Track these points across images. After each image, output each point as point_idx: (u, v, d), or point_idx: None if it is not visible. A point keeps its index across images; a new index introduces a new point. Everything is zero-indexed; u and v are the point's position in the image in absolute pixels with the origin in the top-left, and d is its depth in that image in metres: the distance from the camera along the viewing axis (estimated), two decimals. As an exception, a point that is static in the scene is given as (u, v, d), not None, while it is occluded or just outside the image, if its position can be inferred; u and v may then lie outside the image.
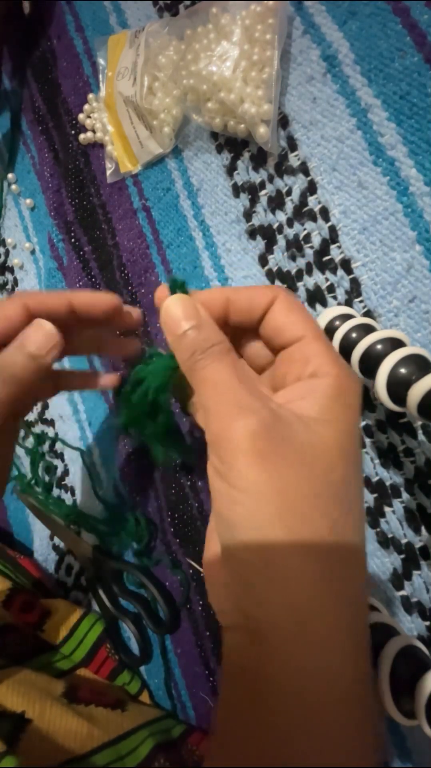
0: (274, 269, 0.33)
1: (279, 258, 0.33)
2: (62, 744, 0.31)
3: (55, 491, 0.47)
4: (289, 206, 0.32)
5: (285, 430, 0.18)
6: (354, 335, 0.26)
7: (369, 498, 0.30)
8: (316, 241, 0.31)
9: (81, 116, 0.42)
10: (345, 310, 0.29)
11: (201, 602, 0.37)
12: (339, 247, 0.30)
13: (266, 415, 0.18)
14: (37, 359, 0.24)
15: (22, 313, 0.25)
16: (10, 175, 0.50)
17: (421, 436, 0.28)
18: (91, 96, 0.42)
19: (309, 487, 0.17)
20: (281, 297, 0.21)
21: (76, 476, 0.46)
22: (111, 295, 0.27)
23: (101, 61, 0.40)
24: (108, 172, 0.41)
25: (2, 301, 0.26)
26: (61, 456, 0.47)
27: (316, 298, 0.31)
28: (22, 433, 0.51)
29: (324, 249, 0.31)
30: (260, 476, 0.17)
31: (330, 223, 0.30)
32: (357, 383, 0.20)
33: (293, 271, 0.32)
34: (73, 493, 0.46)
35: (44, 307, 0.25)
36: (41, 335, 0.24)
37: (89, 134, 0.42)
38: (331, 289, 0.31)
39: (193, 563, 0.37)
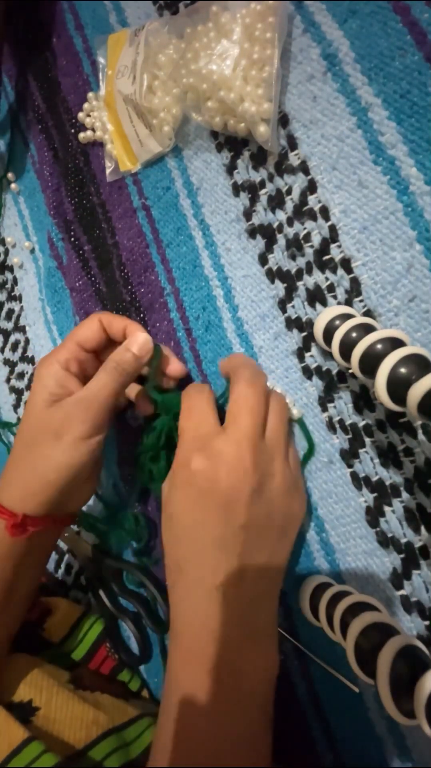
0: (274, 268, 0.33)
1: (279, 257, 0.33)
2: (68, 732, 0.32)
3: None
4: (289, 205, 0.32)
5: None
6: (354, 335, 0.26)
7: (369, 497, 0.30)
8: (316, 240, 0.31)
9: (80, 115, 0.42)
10: (345, 309, 0.29)
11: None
12: (339, 246, 0.30)
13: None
14: (137, 358, 0.32)
15: (99, 324, 0.34)
16: (9, 174, 0.50)
17: (421, 436, 0.28)
18: (90, 94, 0.42)
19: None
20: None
21: (75, 475, 0.46)
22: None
23: (101, 60, 0.40)
24: (107, 171, 0.41)
25: (86, 320, 0.34)
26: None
27: (316, 297, 0.31)
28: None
29: (324, 248, 0.31)
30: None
31: (330, 223, 0.30)
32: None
33: (293, 271, 0.32)
34: (72, 493, 0.46)
35: (109, 325, 0.34)
36: (142, 340, 0.33)
37: (89, 133, 0.42)
38: (331, 288, 0.30)
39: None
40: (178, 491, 0.28)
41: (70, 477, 0.31)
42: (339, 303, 0.30)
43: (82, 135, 0.42)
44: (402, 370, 0.23)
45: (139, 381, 0.35)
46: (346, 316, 0.28)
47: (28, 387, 0.50)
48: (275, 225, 0.33)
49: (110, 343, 0.35)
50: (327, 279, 0.31)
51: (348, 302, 0.30)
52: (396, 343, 0.24)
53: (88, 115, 0.42)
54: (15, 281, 0.51)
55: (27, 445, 0.32)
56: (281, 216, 0.32)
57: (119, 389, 0.32)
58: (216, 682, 0.26)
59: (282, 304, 0.33)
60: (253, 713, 0.27)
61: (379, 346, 0.24)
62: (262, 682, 0.28)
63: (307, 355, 0.32)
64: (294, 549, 0.30)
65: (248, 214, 0.34)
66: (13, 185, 0.50)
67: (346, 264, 0.30)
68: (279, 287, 0.33)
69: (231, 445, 0.28)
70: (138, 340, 0.33)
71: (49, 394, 0.32)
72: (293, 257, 0.32)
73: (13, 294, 0.51)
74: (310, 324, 0.31)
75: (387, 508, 0.29)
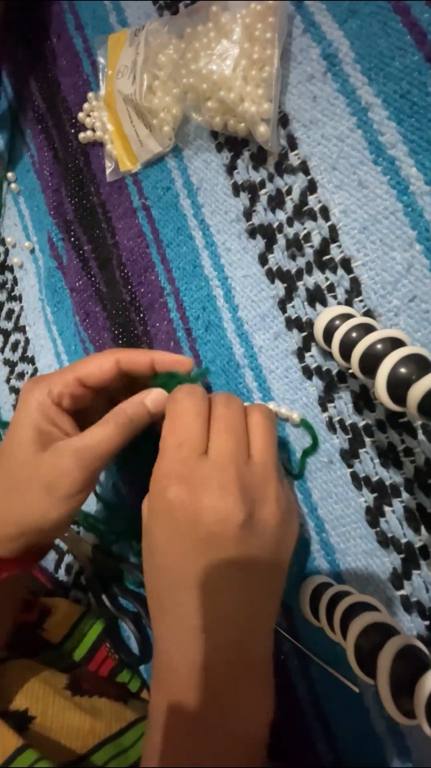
0: (274, 268, 0.33)
1: (279, 257, 0.33)
2: (64, 742, 0.31)
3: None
4: (289, 205, 0.32)
5: None
6: (354, 335, 0.26)
7: (369, 497, 0.30)
8: (316, 240, 0.31)
9: (80, 115, 0.42)
10: (345, 309, 0.29)
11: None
12: (339, 246, 0.30)
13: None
14: (151, 414, 0.30)
15: (115, 366, 0.30)
16: (9, 174, 0.50)
17: (421, 436, 0.28)
18: (90, 95, 0.42)
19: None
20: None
21: (75, 475, 0.45)
22: (187, 359, 0.32)
23: (101, 60, 0.40)
24: (107, 171, 0.41)
25: (98, 355, 0.31)
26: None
27: (316, 297, 0.31)
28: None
29: (324, 248, 0.31)
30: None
31: (330, 223, 0.30)
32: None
33: (293, 271, 0.32)
34: (72, 493, 0.46)
35: (131, 364, 0.31)
36: (154, 395, 0.30)
37: (89, 133, 0.42)
38: (331, 288, 0.30)
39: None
40: (156, 522, 0.26)
41: (54, 528, 0.29)
42: (339, 303, 0.30)
43: (82, 135, 0.42)
44: (402, 370, 0.23)
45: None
46: (346, 316, 0.28)
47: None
48: (275, 225, 0.33)
49: (120, 377, 0.32)
50: (327, 279, 0.31)
51: (348, 302, 0.30)
52: (396, 343, 0.24)
53: (88, 115, 0.42)
54: (15, 281, 0.51)
55: (9, 488, 0.29)
56: (281, 216, 0.32)
57: (124, 443, 0.29)
58: (201, 727, 0.24)
59: (282, 304, 0.33)
60: (244, 761, 0.25)
61: (379, 346, 0.24)
62: (255, 726, 0.25)
63: (307, 355, 0.32)
64: (294, 550, 0.30)
65: (248, 214, 0.34)
66: (13, 185, 0.50)
67: (346, 264, 0.30)
68: (279, 287, 0.33)
69: (215, 472, 0.25)
70: (155, 399, 0.30)
71: (35, 431, 0.29)
72: (293, 257, 0.32)
73: (13, 294, 0.51)
74: (310, 324, 0.31)
75: (387, 508, 0.29)
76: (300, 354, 0.32)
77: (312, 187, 0.31)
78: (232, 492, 0.24)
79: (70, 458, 0.28)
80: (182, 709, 0.24)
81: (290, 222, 0.32)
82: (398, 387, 0.23)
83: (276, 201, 0.32)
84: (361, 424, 0.30)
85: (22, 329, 0.51)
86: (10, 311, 0.52)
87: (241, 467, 0.25)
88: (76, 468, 0.28)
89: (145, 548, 0.27)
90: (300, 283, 0.32)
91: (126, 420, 0.29)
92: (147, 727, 0.26)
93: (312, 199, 0.31)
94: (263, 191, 0.33)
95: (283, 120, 0.32)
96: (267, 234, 0.33)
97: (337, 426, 0.31)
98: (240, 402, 0.28)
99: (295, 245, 0.32)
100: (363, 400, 0.30)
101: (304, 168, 0.31)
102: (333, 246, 0.30)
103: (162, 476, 0.26)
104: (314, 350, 0.32)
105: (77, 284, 0.43)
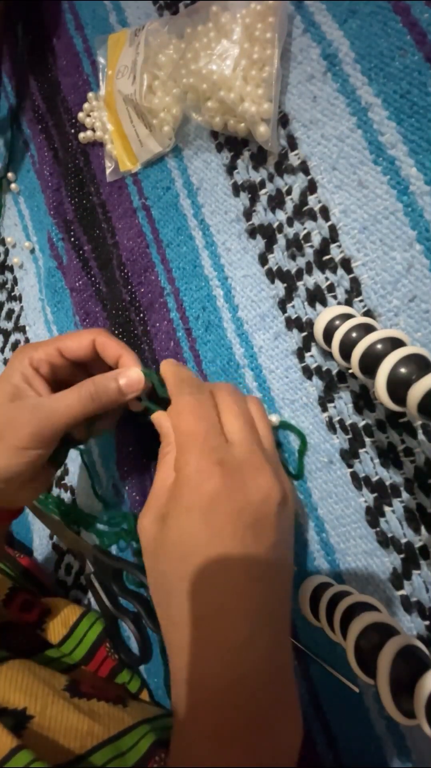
0: (274, 268, 0.33)
1: (279, 257, 0.33)
2: (62, 742, 0.31)
3: (55, 490, 0.47)
4: (289, 205, 0.32)
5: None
6: (354, 335, 0.26)
7: (369, 497, 0.29)
8: (316, 240, 0.31)
9: (80, 115, 0.42)
10: (345, 309, 0.29)
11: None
12: (339, 246, 0.30)
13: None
14: (121, 393, 0.30)
15: (91, 344, 0.32)
16: (9, 174, 0.50)
17: (421, 436, 0.28)
18: (90, 95, 0.42)
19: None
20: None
21: (75, 475, 0.46)
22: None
23: (101, 60, 0.40)
24: (107, 171, 0.41)
25: (81, 332, 0.33)
26: (60, 455, 0.47)
27: (316, 297, 0.31)
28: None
29: (324, 248, 0.31)
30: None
31: (330, 223, 0.30)
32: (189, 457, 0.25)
33: (293, 271, 0.32)
34: (72, 493, 0.46)
35: (102, 350, 0.32)
36: (134, 378, 0.31)
37: (89, 133, 0.42)
38: (331, 288, 0.30)
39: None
40: (193, 522, 0.24)
41: (5, 479, 0.30)
42: (339, 303, 0.30)
43: (82, 135, 0.42)
44: (402, 370, 0.23)
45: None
46: (346, 316, 0.28)
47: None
48: (275, 225, 0.33)
49: (98, 357, 0.33)
50: (327, 279, 0.31)
51: (348, 302, 0.30)
52: (396, 343, 0.24)
53: (88, 115, 0.42)
54: (15, 281, 0.51)
55: None
56: (281, 216, 0.32)
57: (85, 415, 0.30)
58: (250, 741, 0.22)
59: (282, 304, 0.33)
60: None
61: (379, 346, 0.24)
62: (293, 733, 0.23)
63: (307, 355, 0.32)
64: (294, 549, 0.30)
65: (248, 214, 0.34)
66: (13, 185, 0.50)
67: (346, 264, 0.30)
68: (279, 287, 0.33)
69: (245, 455, 0.26)
70: (130, 376, 0.30)
71: (11, 386, 0.31)
72: (293, 257, 0.32)
73: (13, 294, 0.51)
74: (310, 324, 0.31)
75: (387, 508, 0.29)
76: (300, 354, 0.32)
77: (312, 187, 0.31)
78: (267, 471, 0.25)
79: (25, 411, 0.29)
80: (228, 726, 0.22)
81: (290, 222, 0.32)
82: (398, 387, 0.23)
83: (276, 201, 0.32)
84: (361, 424, 0.30)
85: (22, 329, 0.51)
86: (10, 311, 0.52)
87: (262, 450, 0.26)
88: (29, 422, 0.29)
89: (173, 558, 0.24)
90: (300, 283, 0.32)
91: (91, 391, 0.30)
92: (176, 746, 0.24)
93: (312, 199, 0.31)
94: (263, 191, 0.33)
95: (283, 120, 0.32)
96: (267, 234, 0.33)
97: (337, 426, 0.31)
98: (239, 390, 0.30)
99: (295, 245, 0.32)
100: (363, 400, 0.30)
101: (304, 168, 0.31)
102: (333, 246, 0.30)
103: (194, 471, 0.24)
104: (314, 350, 0.32)
105: (77, 284, 0.43)
